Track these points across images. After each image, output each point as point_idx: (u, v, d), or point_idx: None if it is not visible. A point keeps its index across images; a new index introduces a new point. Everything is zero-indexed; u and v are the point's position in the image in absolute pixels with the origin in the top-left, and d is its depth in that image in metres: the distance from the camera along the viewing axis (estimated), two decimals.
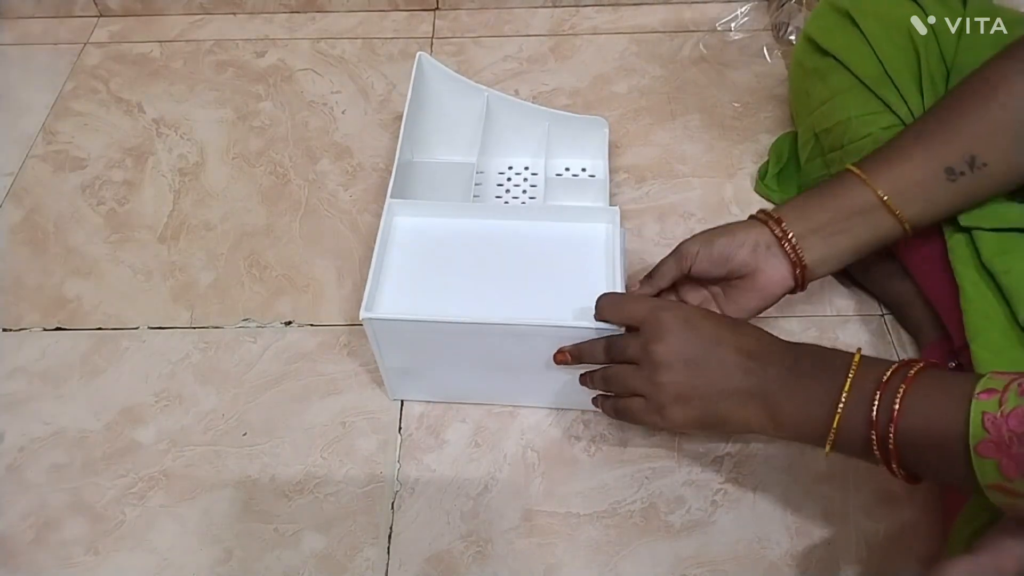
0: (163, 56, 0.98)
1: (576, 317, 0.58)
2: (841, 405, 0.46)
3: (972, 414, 0.40)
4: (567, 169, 0.80)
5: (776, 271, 0.57)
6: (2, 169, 0.86)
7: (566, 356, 0.58)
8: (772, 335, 0.52)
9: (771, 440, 0.64)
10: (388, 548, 0.60)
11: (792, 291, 0.59)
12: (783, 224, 0.57)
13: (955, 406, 0.41)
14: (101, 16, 1.03)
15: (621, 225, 0.63)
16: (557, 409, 0.66)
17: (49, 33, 1.01)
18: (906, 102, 0.65)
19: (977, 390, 0.40)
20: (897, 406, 0.43)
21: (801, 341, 0.52)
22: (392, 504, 0.62)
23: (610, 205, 0.66)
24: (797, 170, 0.79)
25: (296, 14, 1.03)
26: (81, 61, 0.98)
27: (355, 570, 0.59)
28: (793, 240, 0.57)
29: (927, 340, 0.66)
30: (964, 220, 0.58)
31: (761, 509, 0.61)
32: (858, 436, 0.45)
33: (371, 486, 0.63)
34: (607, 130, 0.76)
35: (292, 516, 0.61)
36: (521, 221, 0.64)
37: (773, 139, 0.84)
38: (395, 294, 0.60)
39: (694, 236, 0.59)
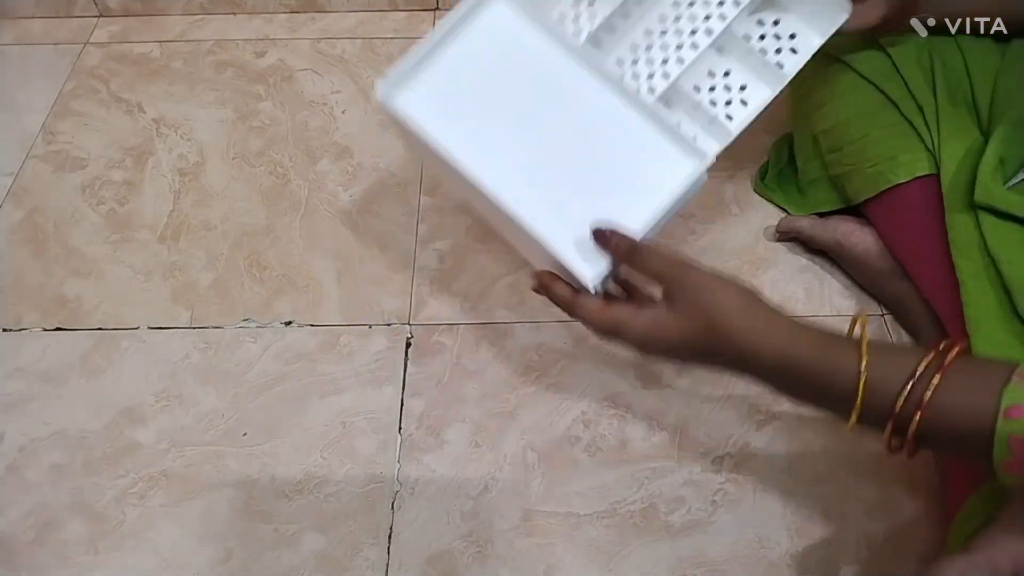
0: (163, 56, 0.98)
1: (577, 244, 0.50)
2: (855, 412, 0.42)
3: (998, 435, 0.38)
4: (726, 74, 0.59)
5: None
6: (2, 169, 0.86)
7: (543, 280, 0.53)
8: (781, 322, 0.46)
9: (771, 440, 0.64)
10: (388, 548, 0.60)
11: None
12: None
13: (982, 416, 0.39)
14: (101, 16, 1.03)
15: (706, 172, 0.52)
16: (557, 409, 0.66)
17: (49, 33, 1.01)
18: (912, 95, 0.66)
19: (1004, 404, 0.38)
20: (924, 402, 0.40)
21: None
22: (392, 504, 0.62)
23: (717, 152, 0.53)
24: (796, 171, 0.79)
25: (296, 14, 1.03)
26: (81, 61, 0.98)
27: (355, 570, 0.59)
28: None
29: (927, 339, 0.66)
30: (978, 197, 0.58)
31: (761, 509, 0.61)
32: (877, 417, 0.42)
33: (371, 486, 0.63)
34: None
35: (292, 516, 0.61)
36: (613, 96, 0.53)
37: (773, 139, 0.84)
38: (431, 90, 0.52)
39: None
